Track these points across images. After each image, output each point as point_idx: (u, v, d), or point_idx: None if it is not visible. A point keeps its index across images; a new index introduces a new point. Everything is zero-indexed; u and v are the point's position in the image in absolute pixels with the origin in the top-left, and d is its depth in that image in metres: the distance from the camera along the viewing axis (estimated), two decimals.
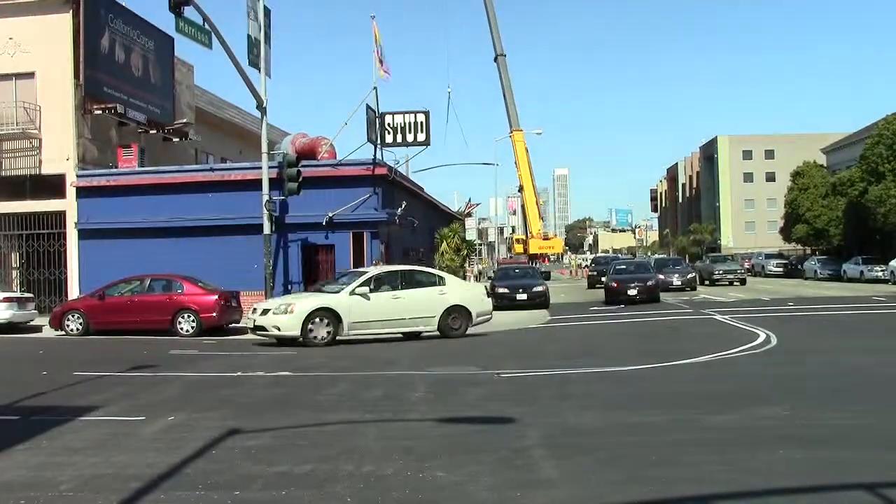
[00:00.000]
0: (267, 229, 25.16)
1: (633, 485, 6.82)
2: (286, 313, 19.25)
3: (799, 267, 57.85)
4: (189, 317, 22.34)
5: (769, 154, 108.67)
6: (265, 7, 25.60)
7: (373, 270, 21.29)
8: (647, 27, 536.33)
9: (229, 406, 11.12)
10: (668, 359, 14.95)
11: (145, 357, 17.22)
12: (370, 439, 8.87)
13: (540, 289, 31.23)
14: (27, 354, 18.90)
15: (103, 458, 8.12)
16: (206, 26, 22.37)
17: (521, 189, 77.04)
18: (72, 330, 22.76)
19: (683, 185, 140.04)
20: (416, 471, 7.36)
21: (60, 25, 28.26)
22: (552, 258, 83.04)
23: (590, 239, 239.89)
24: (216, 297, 22.71)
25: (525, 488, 6.75)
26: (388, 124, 28.78)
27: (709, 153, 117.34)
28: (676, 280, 40.61)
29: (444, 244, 38.80)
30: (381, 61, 29.37)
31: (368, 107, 27.41)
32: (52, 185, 28.40)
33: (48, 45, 28.23)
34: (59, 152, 28.38)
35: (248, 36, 25.29)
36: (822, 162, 70.22)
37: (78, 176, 28.41)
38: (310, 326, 19.14)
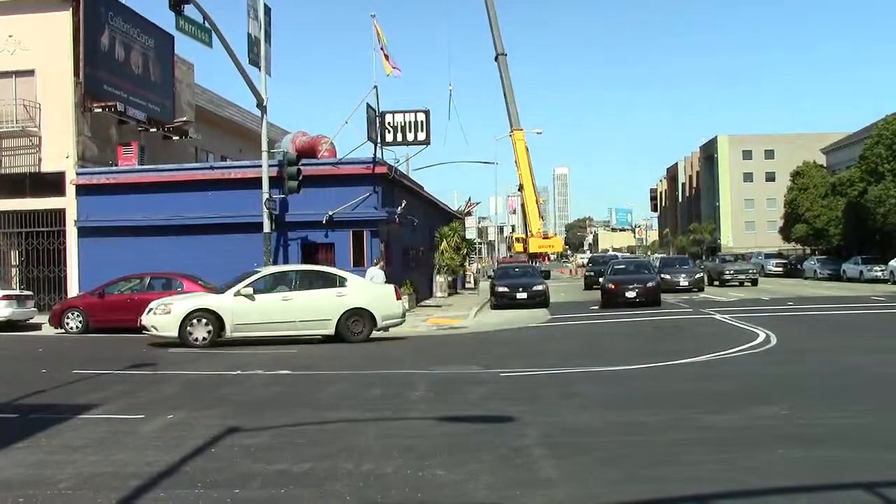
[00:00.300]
0: (267, 228, 25.16)
1: (632, 484, 6.82)
2: (165, 313, 18.95)
3: (798, 267, 57.86)
4: None
5: (769, 154, 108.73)
6: (265, 5, 25.59)
7: (265, 270, 20.42)
8: (648, 27, 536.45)
9: (229, 404, 11.13)
10: (667, 358, 14.95)
11: (144, 355, 17.22)
12: (370, 438, 8.87)
13: (540, 288, 31.24)
14: (26, 352, 18.89)
15: (102, 457, 8.12)
16: (207, 24, 22.36)
17: (521, 188, 77.00)
18: (71, 328, 22.77)
19: (683, 184, 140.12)
20: (415, 469, 7.37)
21: (60, 23, 28.24)
22: (552, 257, 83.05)
23: (590, 238, 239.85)
24: None
25: (524, 487, 6.75)
26: (389, 123, 28.76)
27: (709, 153, 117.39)
28: (683, 280, 38.68)
29: (444, 243, 38.82)
30: (387, 57, 29.38)
31: (368, 106, 27.40)
32: (51, 183, 28.39)
33: (48, 42, 28.21)
34: (58, 150, 28.37)
35: (249, 34, 25.27)
36: (821, 162, 70.26)
37: (78, 174, 28.40)
38: (188, 328, 18.71)
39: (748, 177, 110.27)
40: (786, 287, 42.27)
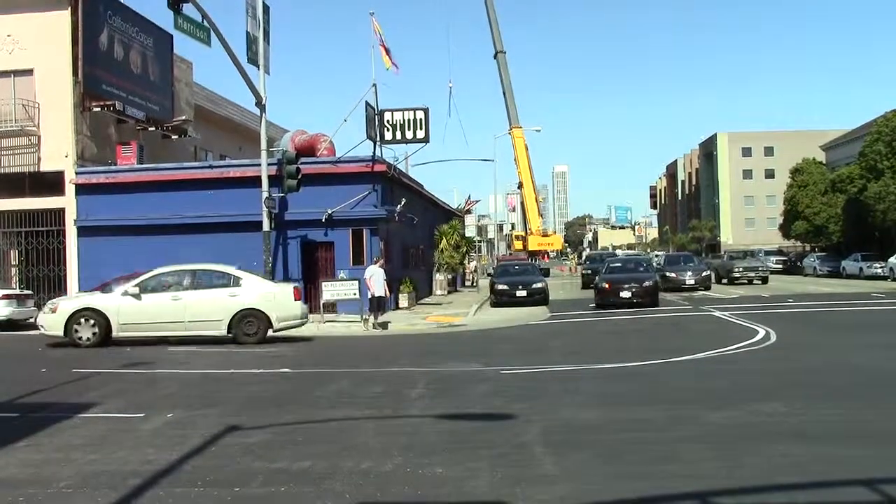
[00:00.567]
0: (266, 226, 25.15)
1: (632, 481, 6.83)
2: (52, 312, 18.94)
3: (798, 264, 57.91)
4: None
5: (768, 151, 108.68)
6: (264, 4, 25.55)
7: (157, 270, 20.03)
8: (648, 25, 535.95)
9: (228, 403, 11.13)
10: (667, 355, 14.96)
11: (144, 354, 17.20)
12: (370, 436, 8.88)
13: (539, 285, 31.24)
14: (26, 351, 18.87)
15: (102, 455, 8.12)
16: (205, 23, 22.33)
17: (520, 186, 77.06)
18: None
19: (683, 182, 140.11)
20: (415, 467, 7.37)
21: (59, 22, 28.20)
22: (552, 254, 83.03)
23: (589, 236, 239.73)
24: None
25: (525, 484, 6.76)
26: (388, 121, 28.74)
27: (708, 150, 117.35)
28: (689, 279, 37.11)
29: (444, 241, 38.86)
30: (387, 51, 29.37)
31: (368, 104, 27.39)
32: (51, 183, 28.37)
33: (47, 41, 28.17)
34: (57, 149, 28.34)
35: (247, 33, 25.26)
36: (821, 159, 70.30)
37: (77, 173, 28.39)
38: (75, 327, 18.63)
39: (748, 174, 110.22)
40: (786, 284, 42.27)
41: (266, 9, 25.79)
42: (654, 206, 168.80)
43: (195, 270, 19.80)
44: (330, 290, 23.64)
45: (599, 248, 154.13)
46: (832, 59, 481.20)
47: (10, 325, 23.62)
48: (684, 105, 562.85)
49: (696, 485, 6.60)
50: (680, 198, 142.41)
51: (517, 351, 17.32)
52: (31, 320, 24.63)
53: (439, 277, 39.27)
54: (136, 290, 18.93)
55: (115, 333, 18.85)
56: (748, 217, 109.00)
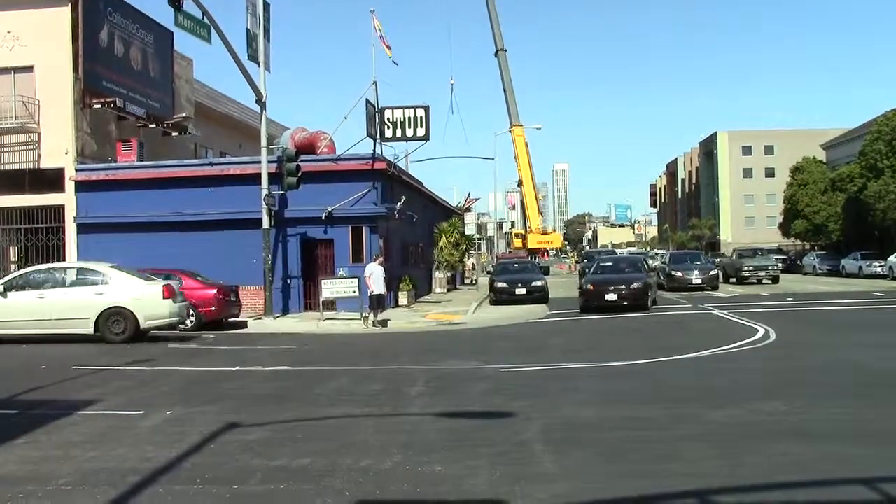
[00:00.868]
0: (266, 224, 25.13)
1: (632, 479, 6.82)
2: None
3: (798, 262, 57.89)
4: (188, 311, 22.31)
5: (768, 149, 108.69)
6: (264, 1, 25.53)
7: (27, 269, 20.12)
8: (649, 24, 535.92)
9: (228, 400, 11.12)
10: (667, 354, 14.95)
11: (144, 352, 17.22)
12: (369, 433, 8.87)
13: (539, 283, 31.22)
14: (25, 348, 18.85)
15: (102, 452, 8.12)
16: (205, 20, 22.31)
17: (520, 184, 77.08)
18: None
19: (683, 180, 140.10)
20: (414, 465, 7.36)
21: (59, 19, 28.19)
22: (551, 252, 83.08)
23: (589, 234, 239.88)
24: (215, 291, 22.72)
25: (524, 482, 6.75)
26: (388, 119, 28.75)
27: (708, 149, 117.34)
28: (696, 278, 35.40)
29: (444, 239, 38.86)
30: (388, 48, 29.41)
31: (368, 101, 27.40)
32: (50, 179, 28.37)
33: (47, 38, 28.17)
34: (57, 146, 28.34)
35: (248, 30, 25.23)
36: (821, 158, 70.30)
37: (77, 170, 28.38)
38: None
39: (748, 172, 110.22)
40: (785, 283, 42.17)
41: (266, 6, 25.77)
42: (653, 204, 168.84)
43: (65, 268, 20.14)
44: (329, 288, 23.63)
45: (599, 246, 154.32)
46: (832, 59, 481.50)
47: None
48: (684, 103, 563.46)
49: (697, 483, 6.60)
50: (680, 196, 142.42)
51: (517, 349, 17.32)
52: None
53: (439, 275, 39.27)
54: (1, 288, 19.15)
55: None
56: (748, 216, 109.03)
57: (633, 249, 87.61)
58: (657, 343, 17.28)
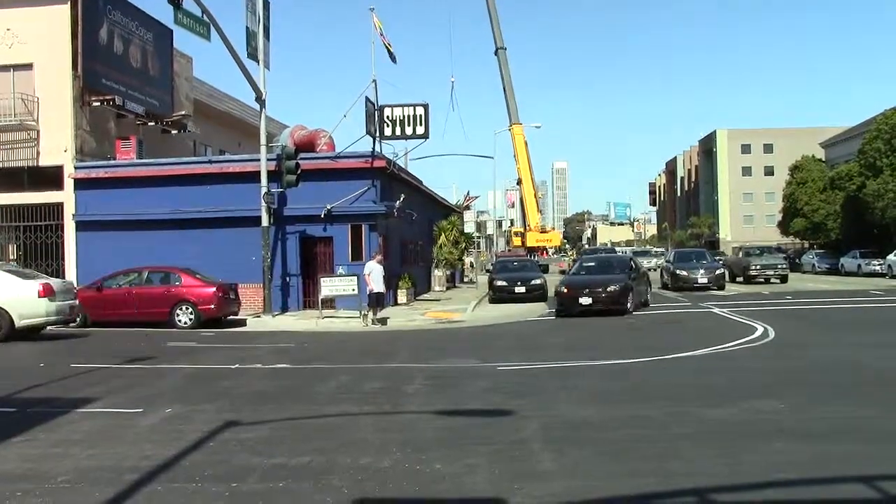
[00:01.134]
0: (265, 221, 25.12)
1: (631, 477, 6.82)
2: None
3: (797, 261, 57.86)
4: (187, 309, 22.34)
5: (768, 148, 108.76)
6: (264, 0, 25.51)
7: None
8: (647, 21, 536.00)
9: (227, 398, 11.12)
10: (666, 352, 14.95)
11: (143, 349, 17.22)
12: (368, 431, 8.88)
13: (538, 281, 31.21)
14: (24, 346, 18.85)
15: (100, 450, 8.12)
16: (205, 18, 22.31)
17: (519, 182, 77.06)
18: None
19: (682, 178, 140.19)
20: (413, 463, 7.36)
21: (59, 16, 28.16)
22: (550, 251, 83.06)
23: (588, 232, 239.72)
24: (214, 289, 22.72)
25: (523, 480, 6.75)
26: (388, 117, 28.69)
27: (707, 147, 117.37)
28: (702, 277, 34.05)
29: (443, 237, 38.80)
30: (383, 37, 29.40)
31: (367, 99, 27.35)
32: (49, 177, 28.34)
33: (46, 36, 28.13)
34: (56, 144, 28.32)
35: (247, 28, 25.22)
36: (820, 156, 70.27)
37: (76, 168, 28.35)
38: None
39: (747, 171, 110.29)
40: None
41: (266, 4, 25.76)
42: (653, 202, 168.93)
43: None
44: (328, 286, 23.63)
45: (598, 244, 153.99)
46: (832, 57, 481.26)
47: None
48: (684, 102, 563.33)
49: (695, 481, 6.60)
50: (679, 194, 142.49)
51: (516, 347, 17.31)
52: None
53: (438, 273, 39.26)
54: None
55: None
56: (747, 214, 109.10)
57: (636, 249, 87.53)
58: (656, 341, 17.28)
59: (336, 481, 6.86)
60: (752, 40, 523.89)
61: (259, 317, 24.48)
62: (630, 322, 21.88)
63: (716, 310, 24.22)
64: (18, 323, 19.04)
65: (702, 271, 34.55)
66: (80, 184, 28.38)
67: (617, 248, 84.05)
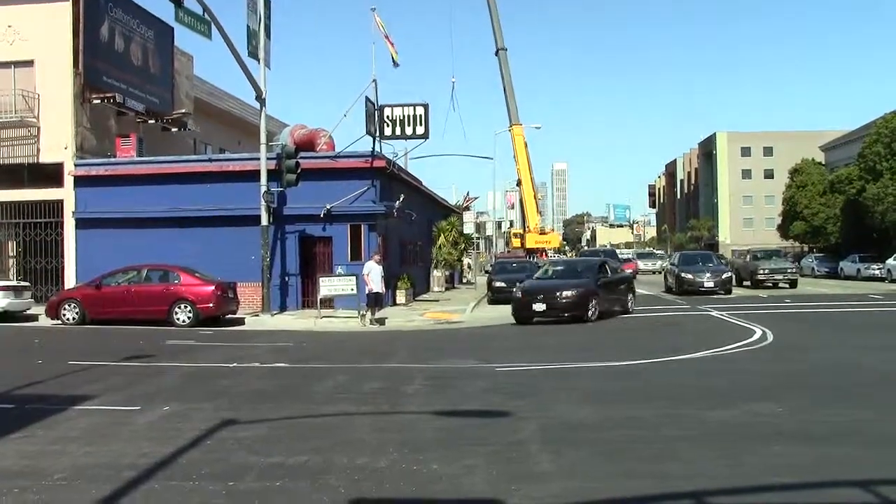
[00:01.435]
0: (265, 220, 25.13)
1: (629, 479, 6.81)
2: None
3: (796, 264, 57.90)
4: (186, 307, 22.33)
5: (768, 151, 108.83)
6: None
7: None
8: (648, 23, 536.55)
9: (225, 397, 11.11)
10: (664, 354, 14.95)
11: (141, 347, 17.20)
12: (366, 431, 8.87)
13: None
14: (23, 343, 18.86)
15: (98, 448, 8.11)
16: (206, 16, 22.31)
17: (519, 183, 76.89)
18: (68, 319, 22.74)
19: (682, 181, 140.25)
20: (410, 463, 7.35)
21: (60, 13, 28.15)
22: (550, 252, 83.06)
23: (587, 234, 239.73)
24: (213, 287, 22.71)
25: (521, 481, 6.74)
26: (388, 117, 28.68)
27: (707, 149, 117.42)
28: (708, 281, 33.07)
29: (442, 237, 38.80)
30: (391, 44, 29.41)
31: (368, 99, 27.35)
32: (49, 174, 28.33)
33: (47, 33, 28.12)
34: (57, 141, 28.31)
35: (248, 27, 25.23)
36: (820, 159, 70.35)
37: (76, 165, 28.35)
38: None
39: (746, 174, 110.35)
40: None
41: (267, 3, 25.77)
42: (652, 204, 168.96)
43: None
44: (327, 286, 23.62)
45: (598, 245, 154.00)
46: (833, 60, 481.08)
47: (6, 316, 23.60)
48: (684, 104, 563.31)
49: (694, 484, 6.58)
50: (679, 197, 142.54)
51: (514, 348, 17.31)
52: (29, 312, 24.69)
53: (437, 274, 39.25)
54: None
55: None
56: (746, 217, 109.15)
57: (640, 251, 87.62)
58: (655, 343, 17.27)
59: (333, 481, 6.85)
60: (752, 42, 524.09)
61: (258, 316, 24.48)
62: (628, 324, 21.86)
63: (714, 313, 24.20)
64: None
65: (708, 275, 33.68)
66: (80, 181, 28.37)
67: (617, 251, 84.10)
